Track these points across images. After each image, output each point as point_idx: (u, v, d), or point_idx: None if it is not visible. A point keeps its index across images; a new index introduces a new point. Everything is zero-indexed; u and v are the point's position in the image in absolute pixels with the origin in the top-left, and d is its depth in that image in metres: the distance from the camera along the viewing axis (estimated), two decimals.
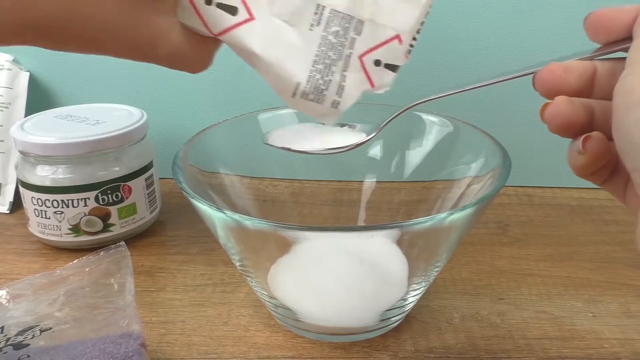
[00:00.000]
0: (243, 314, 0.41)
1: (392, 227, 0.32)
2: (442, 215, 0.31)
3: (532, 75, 0.27)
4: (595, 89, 0.26)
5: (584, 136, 0.25)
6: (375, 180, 0.47)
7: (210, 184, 0.41)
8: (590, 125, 0.26)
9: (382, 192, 0.47)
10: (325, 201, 0.49)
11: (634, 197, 0.26)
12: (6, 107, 0.56)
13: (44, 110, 0.53)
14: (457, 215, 0.31)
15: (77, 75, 0.59)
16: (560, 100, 0.25)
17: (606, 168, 0.26)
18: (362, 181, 0.47)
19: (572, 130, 0.26)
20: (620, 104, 0.22)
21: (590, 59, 0.27)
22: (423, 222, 0.31)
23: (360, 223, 0.47)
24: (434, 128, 0.44)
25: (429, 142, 0.44)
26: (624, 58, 0.25)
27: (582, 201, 0.57)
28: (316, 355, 0.37)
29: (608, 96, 0.25)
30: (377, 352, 0.37)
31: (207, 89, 0.60)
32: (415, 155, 0.44)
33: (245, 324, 0.40)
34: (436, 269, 0.37)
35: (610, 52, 0.26)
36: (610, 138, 0.25)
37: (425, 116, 0.44)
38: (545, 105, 0.26)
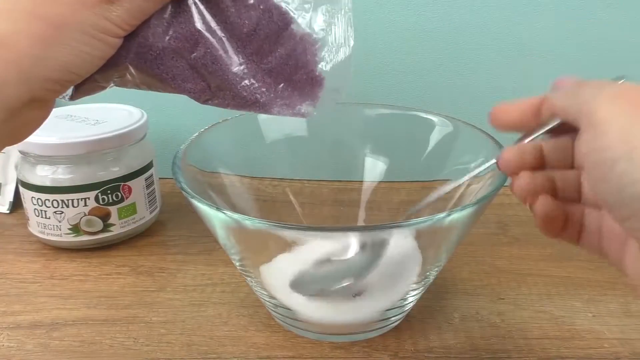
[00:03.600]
0: (243, 314, 0.41)
1: (391, 227, 0.32)
2: (442, 215, 0.31)
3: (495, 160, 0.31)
4: (547, 162, 0.30)
5: (530, 200, 0.29)
6: (375, 180, 0.47)
7: (210, 184, 0.41)
8: (554, 192, 0.29)
9: (382, 192, 0.47)
10: (325, 201, 0.49)
11: (612, 245, 0.28)
12: None
13: None
14: (456, 215, 0.31)
15: None
16: (524, 175, 0.29)
17: (570, 228, 0.29)
18: (362, 181, 0.47)
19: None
20: (600, 160, 0.23)
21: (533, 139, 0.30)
22: (422, 222, 0.31)
23: (360, 223, 0.47)
24: (434, 128, 0.44)
25: (428, 142, 0.44)
26: (557, 135, 0.29)
27: None
28: (316, 355, 0.37)
29: (559, 166, 0.29)
30: (377, 352, 0.37)
31: None
32: (415, 155, 0.44)
33: (245, 324, 0.40)
34: (436, 269, 0.37)
35: (537, 135, 0.29)
36: (571, 200, 0.29)
37: (425, 116, 0.44)
38: (514, 180, 0.30)
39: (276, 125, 0.46)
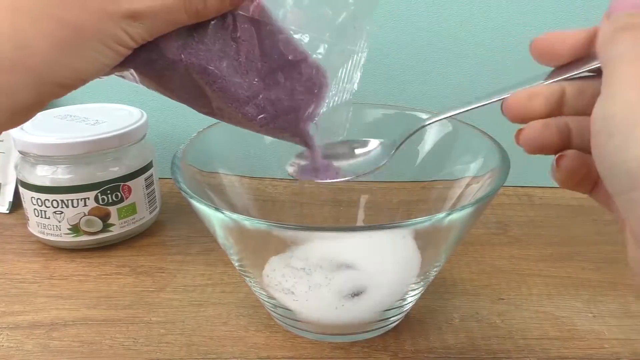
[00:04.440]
0: (243, 314, 0.41)
1: (391, 227, 0.32)
2: (441, 215, 0.31)
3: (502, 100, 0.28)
4: (565, 109, 0.27)
5: (558, 155, 0.26)
6: (374, 180, 0.47)
7: (210, 184, 0.41)
8: (567, 143, 0.27)
9: (382, 192, 0.47)
10: (325, 201, 0.49)
11: (629, 239, 0.26)
12: None
13: (44, 110, 0.53)
14: (456, 215, 0.31)
15: None
16: (534, 124, 0.27)
17: (587, 179, 0.27)
18: (361, 181, 0.47)
19: (548, 150, 0.27)
20: (601, 131, 0.22)
21: (559, 80, 0.27)
22: (422, 222, 0.31)
23: (360, 223, 0.47)
24: (433, 128, 0.44)
25: (428, 142, 0.44)
26: (591, 77, 0.26)
27: (582, 201, 0.57)
28: (316, 355, 0.37)
29: (580, 113, 0.27)
30: (377, 352, 0.37)
31: None
32: (414, 155, 0.44)
33: (244, 324, 0.40)
34: (435, 269, 0.37)
35: (575, 74, 0.27)
36: (589, 151, 0.26)
37: (424, 116, 0.44)
38: (520, 130, 0.27)
39: None
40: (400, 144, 0.35)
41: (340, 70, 0.31)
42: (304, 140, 0.32)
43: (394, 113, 0.46)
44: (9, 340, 0.38)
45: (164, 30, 0.27)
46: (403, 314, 0.39)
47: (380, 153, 0.36)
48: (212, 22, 0.28)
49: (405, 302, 0.38)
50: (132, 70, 0.29)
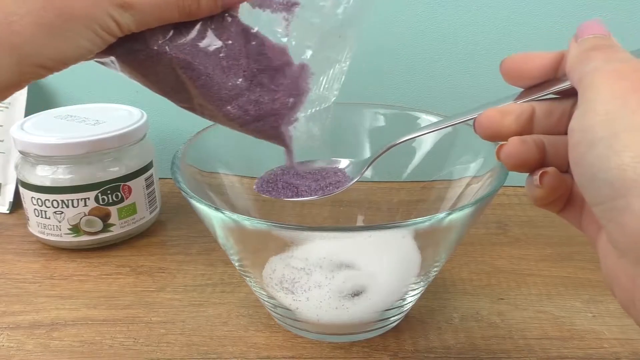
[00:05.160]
0: (243, 314, 0.41)
1: (390, 227, 0.32)
2: (441, 215, 0.31)
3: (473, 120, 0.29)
4: (535, 128, 0.28)
5: (540, 171, 0.27)
6: (375, 180, 0.47)
7: (210, 184, 0.41)
8: (543, 160, 0.27)
9: (382, 192, 0.47)
10: (325, 201, 0.49)
11: (590, 225, 0.27)
12: (6, 107, 0.56)
13: (44, 110, 0.53)
14: (456, 215, 0.31)
15: (77, 75, 0.59)
16: (513, 141, 0.27)
17: (561, 198, 0.28)
18: (361, 181, 0.47)
19: (528, 167, 0.27)
20: (580, 142, 0.22)
21: (528, 100, 0.28)
22: (422, 222, 0.31)
23: (360, 223, 0.47)
24: None
25: (427, 142, 0.44)
26: (559, 98, 0.27)
27: None
28: (316, 355, 0.37)
29: (549, 132, 0.27)
30: (377, 352, 0.37)
31: None
32: (414, 155, 0.44)
33: (245, 324, 0.40)
34: (435, 269, 0.37)
35: (544, 95, 0.28)
36: (562, 170, 0.27)
37: (424, 116, 0.44)
38: (501, 146, 0.28)
39: None
40: (370, 164, 0.36)
41: (322, 77, 0.31)
42: (283, 142, 0.33)
43: (394, 113, 0.46)
44: (10, 340, 0.39)
45: (152, 24, 0.27)
46: (403, 314, 0.39)
47: (350, 172, 0.36)
48: (201, 21, 0.28)
49: (405, 302, 0.38)
50: (112, 58, 0.29)
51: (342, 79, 0.32)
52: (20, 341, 0.38)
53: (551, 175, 0.27)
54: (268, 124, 0.31)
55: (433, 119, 0.44)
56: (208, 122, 0.43)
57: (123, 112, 0.52)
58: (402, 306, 0.38)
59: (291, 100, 0.30)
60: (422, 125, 0.44)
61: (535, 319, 0.40)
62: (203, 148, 0.41)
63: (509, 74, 0.28)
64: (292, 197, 0.35)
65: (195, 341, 0.38)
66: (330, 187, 0.36)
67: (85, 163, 0.47)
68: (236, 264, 0.38)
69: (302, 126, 0.32)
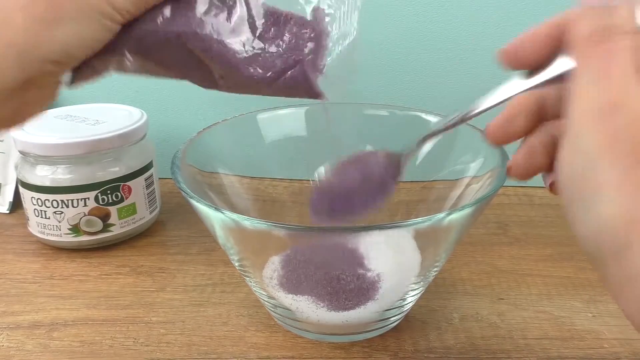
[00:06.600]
0: (243, 314, 0.41)
1: (390, 227, 0.32)
2: (441, 215, 0.31)
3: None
4: (548, 116, 0.27)
5: (550, 181, 0.27)
6: None
7: (210, 184, 0.41)
8: (553, 161, 0.27)
9: None
10: None
11: None
12: None
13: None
14: (455, 216, 0.31)
15: None
16: (517, 158, 0.27)
17: None
18: None
19: (539, 172, 0.28)
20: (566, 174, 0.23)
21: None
22: (422, 222, 0.31)
23: (360, 223, 0.47)
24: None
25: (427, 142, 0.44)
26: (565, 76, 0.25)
27: None
28: (316, 355, 0.37)
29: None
30: (377, 352, 0.37)
31: None
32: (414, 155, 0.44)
33: (245, 324, 0.40)
34: (435, 269, 0.37)
35: (550, 80, 0.26)
36: None
37: (424, 116, 0.44)
38: (509, 167, 0.28)
39: (276, 125, 0.46)
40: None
41: (338, 12, 0.31)
42: (315, 91, 0.31)
43: (394, 113, 0.46)
44: (9, 340, 0.39)
45: (151, 3, 0.27)
46: (403, 314, 0.39)
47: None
48: None
49: (405, 302, 0.38)
50: (128, 56, 0.29)
51: (360, 6, 0.31)
52: (20, 341, 0.38)
53: None
54: (296, 76, 0.30)
55: (433, 118, 0.44)
56: (208, 122, 0.43)
57: (123, 112, 0.52)
58: (402, 306, 0.38)
59: (310, 45, 0.30)
60: (427, 125, 0.45)
61: (535, 319, 0.40)
62: (203, 148, 0.41)
63: (508, 61, 0.28)
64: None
65: (195, 341, 0.38)
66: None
67: (85, 163, 0.47)
68: (236, 264, 0.38)
69: (333, 69, 0.31)
